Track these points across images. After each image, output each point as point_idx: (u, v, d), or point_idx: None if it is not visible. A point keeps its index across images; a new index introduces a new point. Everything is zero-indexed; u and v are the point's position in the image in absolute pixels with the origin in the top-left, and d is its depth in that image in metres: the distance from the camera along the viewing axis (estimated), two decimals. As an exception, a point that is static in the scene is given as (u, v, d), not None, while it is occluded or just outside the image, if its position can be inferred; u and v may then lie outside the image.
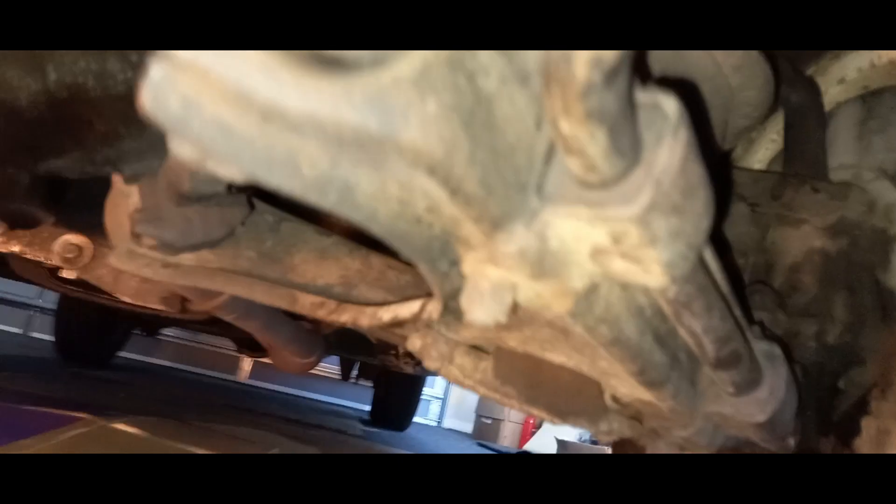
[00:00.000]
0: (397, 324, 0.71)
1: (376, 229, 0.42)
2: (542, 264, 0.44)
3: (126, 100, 0.52)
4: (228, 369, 8.29)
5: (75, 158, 0.64)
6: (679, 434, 0.76)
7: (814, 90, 0.98)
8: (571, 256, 0.45)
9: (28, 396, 2.29)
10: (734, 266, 0.99)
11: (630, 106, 0.39)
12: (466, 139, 0.36)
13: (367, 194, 0.40)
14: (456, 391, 9.26)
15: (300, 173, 0.36)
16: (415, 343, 0.78)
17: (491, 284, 0.46)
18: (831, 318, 0.95)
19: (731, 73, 0.77)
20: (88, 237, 1.42)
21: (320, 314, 0.85)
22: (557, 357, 0.70)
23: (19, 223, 1.28)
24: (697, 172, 0.42)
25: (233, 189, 0.78)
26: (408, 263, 1.02)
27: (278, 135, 0.34)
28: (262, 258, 0.93)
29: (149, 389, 4.48)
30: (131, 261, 0.86)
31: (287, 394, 7.54)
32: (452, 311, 0.63)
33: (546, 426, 7.16)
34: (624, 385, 0.73)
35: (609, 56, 0.33)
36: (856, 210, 0.95)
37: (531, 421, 7.29)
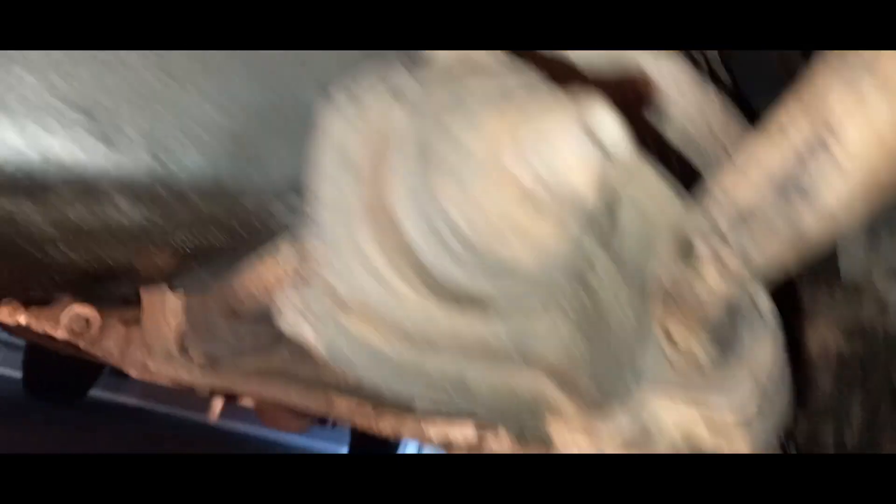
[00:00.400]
0: (445, 444, 0.71)
1: (479, 410, 0.43)
2: (634, 438, 0.45)
3: (211, 250, 0.53)
4: (199, 409, 8.10)
5: (134, 284, 0.64)
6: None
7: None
8: (661, 431, 0.46)
9: (7, 445, 2.22)
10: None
11: (734, 314, 0.41)
12: (587, 349, 0.38)
13: (476, 384, 0.42)
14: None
15: (428, 381, 0.37)
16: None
17: (579, 451, 0.47)
18: (848, 420, 0.98)
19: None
20: (96, 309, 1.40)
21: (357, 420, 0.85)
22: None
23: (35, 302, 1.26)
24: (786, 365, 0.44)
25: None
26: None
27: (416, 353, 0.35)
28: (294, 356, 0.93)
29: (123, 434, 4.37)
30: (169, 364, 0.86)
31: (260, 437, 7.39)
32: (518, 442, 0.64)
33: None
34: None
35: (738, 297, 0.35)
36: (869, 311, 0.99)
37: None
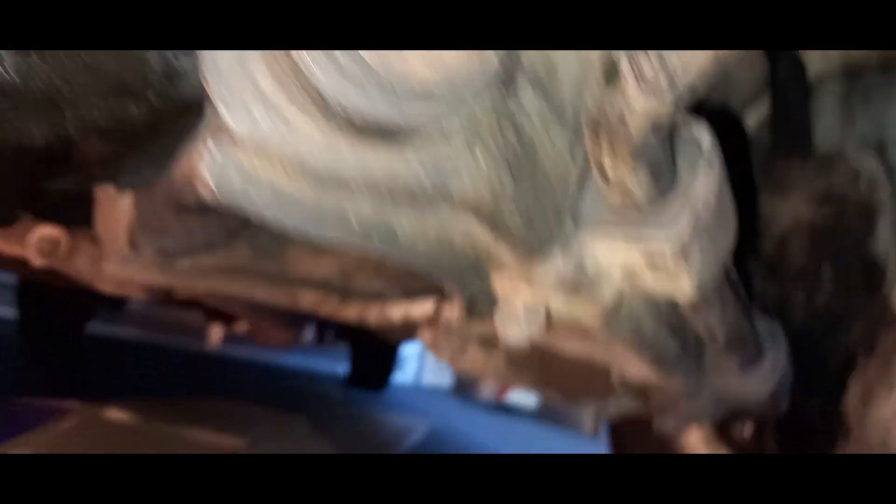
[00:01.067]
0: (408, 324, 0.71)
1: (415, 262, 0.42)
2: (577, 285, 0.44)
3: (138, 129, 0.50)
4: (197, 337, 8.20)
5: (75, 179, 0.61)
6: (686, 408, 0.79)
7: (799, 65, 0.99)
8: (604, 275, 0.45)
9: (9, 383, 2.25)
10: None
11: (669, 140, 0.39)
12: (512, 184, 0.36)
13: (407, 234, 0.40)
14: (431, 346, 9.34)
15: (349, 227, 0.36)
16: (425, 337, 0.79)
17: (525, 305, 0.46)
18: (819, 286, 0.98)
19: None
20: (64, 227, 1.38)
21: (324, 311, 0.85)
22: (571, 346, 0.71)
23: (-3, 222, 1.24)
24: (728, 198, 0.43)
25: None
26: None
27: (330, 196, 0.33)
28: (257, 254, 0.92)
29: (123, 364, 4.43)
30: (127, 266, 0.85)
31: (261, 361, 7.53)
32: (469, 311, 0.64)
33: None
34: (634, 368, 0.75)
35: (665, 119, 0.33)
36: (841, 182, 0.98)
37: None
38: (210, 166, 0.30)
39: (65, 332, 5.05)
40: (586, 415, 6.23)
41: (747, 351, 0.70)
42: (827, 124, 1.02)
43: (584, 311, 0.48)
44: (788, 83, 0.97)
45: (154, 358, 5.66)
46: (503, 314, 0.46)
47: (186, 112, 0.57)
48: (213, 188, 0.30)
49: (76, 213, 1.34)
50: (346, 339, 5.68)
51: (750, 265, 0.98)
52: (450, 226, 0.40)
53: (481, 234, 0.40)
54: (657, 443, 1.38)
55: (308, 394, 4.43)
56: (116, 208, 0.82)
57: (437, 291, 0.75)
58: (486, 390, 7.53)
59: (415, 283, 1.01)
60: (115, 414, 1.74)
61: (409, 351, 9.27)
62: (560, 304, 0.47)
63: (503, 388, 7.50)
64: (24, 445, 1.24)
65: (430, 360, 9.52)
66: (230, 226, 0.76)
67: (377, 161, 0.32)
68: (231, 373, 5.37)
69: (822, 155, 0.98)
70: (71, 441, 1.38)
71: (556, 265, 0.42)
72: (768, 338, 0.76)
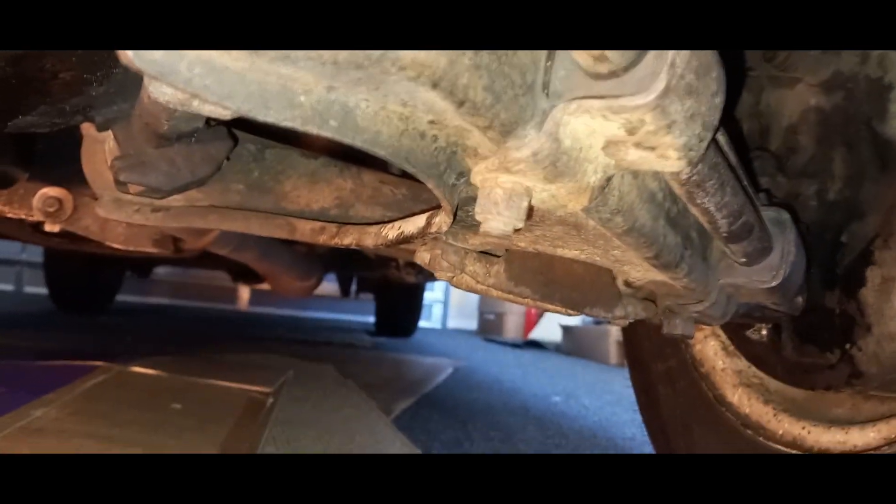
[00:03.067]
0: (404, 240, 0.69)
1: (381, 151, 0.40)
2: (556, 165, 0.42)
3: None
4: (227, 300, 8.34)
5: (43, 112, 0.60)
6: (695, 309, 0.77)
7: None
8: (584, 153, 0.43)
9: (38, 351, 2.31)
10: (736, 133, 0.98)
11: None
12: (474, 54, 0.34)
13: (367, 116, 0.38)
14: (456, 292, 9.41)
15: (297, 103, 0.34)
16: (423, 257, 0.77)
17: (505, 192, 0.44)
18: (831, 175, 0.95)
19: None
20: (66, 188, 1.38)
21: (322, 240, 0.84)
22: (569, 252, 0.69)
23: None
24: (713, 60, 0.40)
25: (212, 123, 0.75)
26: (401, 176, 1.00)
27: (270, 67, 0.31)
28: (251, 190, 0.91)
29: (153, 329, 4.52)
30: (119, 209, 0.84)
31: (289, 316, 7.64)
32: (460, 221, 0.62)
33: (548, 314, 7.34)
34: (637, 270, 0.73)
35: None
36: (849, 63, 0.93)
37: (533, 311, 7.46)
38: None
39: (94, 303, 5.15)
40: (611, 347, 6.26)
41: (753, 241, 0.68)
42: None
43: (569, 196, 0.46)
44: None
45: (183, 320, 5.77)
46: (482, 205, 0.45)
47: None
48: (132, 57, 0.28)
49: (76, 173, 1.34)
50: (369, 291, 5.75)
51: (756, 162, 0.95)
52: (410, 102, 0.38)
53: (446, 111, 0.38)
54: (674, 357, 1.37)
55: (337, 343, 4.49)
56: (101, 148, 0.81)
57: (432, 208, 0.73)
58: (511, 330, 7.60)
59: (413, 208, 0.99)
60: (142, 370, 1.78)
61: (434, 298, 9.36)
62: (542, 190, 0.45)
63: (528, 327, 7.56)
64: (50, 403, 1.27)
65: (455, 306, 9.60)
66: (215, 155, 0.74)
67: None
68: (260, 328, 5.46)
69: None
70: (98, 396, 1.41)
71: (529, 144, 0.40)
72: (775, 227, 0.73)
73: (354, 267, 3.16)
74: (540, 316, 7.54)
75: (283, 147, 0.93)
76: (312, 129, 0.35)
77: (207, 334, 4.56)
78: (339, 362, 3.04)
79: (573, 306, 0.79)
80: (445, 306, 9.76)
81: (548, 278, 0.77)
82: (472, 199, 0.59)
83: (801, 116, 0.96)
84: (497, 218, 0.44)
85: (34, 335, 3.32)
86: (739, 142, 0.99)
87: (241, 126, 0.91)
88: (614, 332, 6.01)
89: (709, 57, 0.40)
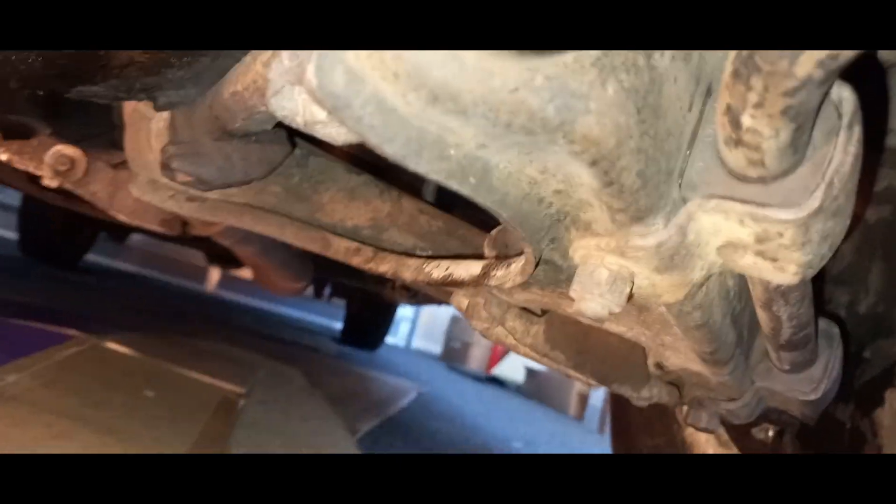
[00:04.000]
0: (450, 283, 0.67)
1: (504, 213, 0.37)
2: (674, 258, 0.40)
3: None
4: (196, 278, 8.19)
5: (112, 86, 0.56)
6: (725, 406, 0.75)
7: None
8: (701, 249, 0.41)
9: (9, 304, 2.22)
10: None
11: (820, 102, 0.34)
12: (637, 127, 0.32)
13: (502, 177, 0.36)
14: (426, 313, 9.35)
15: (447, 155, 0.31)
16: (461, 302, 0.75)
17: (610, 275, 0.42)
18: (865, 287, 0.94)
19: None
20: (82, 149, 1.33)
21: (356, 262, 0.80)
22: (617, 328, 0.67)
23: (14, 134, 1.19)
24: (858, 173, 0.38)
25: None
26: (439, 208, 0.97)
27: (439, 117, 0.29)
28: (288, 194, 0.88)
29: (124, 296, 4.41)
30: (154, 192, 0.80)
31: (257, 307, 7.53)
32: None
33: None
34: (678, 357, 0.71)
35: (844, 56, 0.28)
36: (902, 179, 0.93)
37: (500, 347, 7.44)
38: (317, 63, 0.25)
39: (64, 258, 5.02)
40: (573, 398, 6.24)
41: (805, 353, 0.66)
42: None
43: (668, 288, 0.44)
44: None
45: (154, 292, 5.65)
46: (583, 283, 0.42)
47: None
48: (314, 83, 0.25)
49: (98, 137, 1.29)
50: (342, 297, 5.67)
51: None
52: (550, 174, 0.35)
53: (585, 186, 0.36)
54: (663, 435, 1.35)
55: (303, 346, 4.42)
56: (150, 129, 0.77)
57: (474, 255, 0.71)
58: (475, 360, 7.54)
59: (447, 242, 0.96)
60: (115, 346, 1.72)
61: (403, 315, 9.29)
62: (644, 278, 0.43)
63: (492, 361, 7.52)
64: (23, 369, 1.21)
65: (423, 326, 9.53)
66: (272, 158, 0.71)
67: (504, 81, 0.27)
68: (229, 314, 5.35)
69: (887, 150, 0.93)
70: (71, 369, 1.35)
71: (657, 235, 0.38)
72: (823, 340, 0.72)
73: (337, 272, 3.11)
74: (505, 352, 7.51)
75: (328, 157, 0.91)
76: (453, 185, 0.33)
77: (177, 313, 4.46)
78: (305, 365, 2.98)
79: (602, 380, 0.76)
80: (413, 325, 9.69)
81: (583, 347, 0.75)
82: (543, 261, 0.57)
83: (845, 224, 0.96)
84: (597, 299, 0.42)
85: (3, 283, 3.22)
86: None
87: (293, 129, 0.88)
88: (577, 385, 6.01)
89: (856, 179, 0.38)
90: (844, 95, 0.36)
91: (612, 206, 0.36)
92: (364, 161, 1.07)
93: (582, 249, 0.43)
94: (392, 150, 0.29)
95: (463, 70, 0.27)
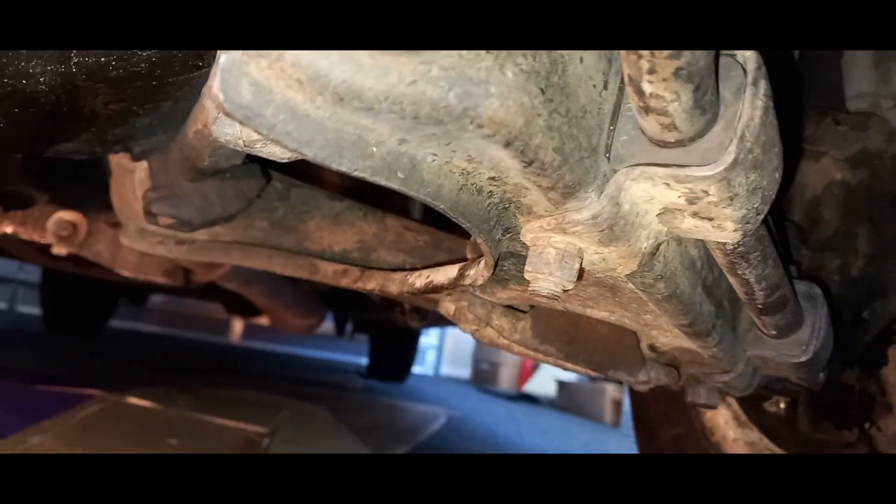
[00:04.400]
0: (432, 290, 0.69)
1: (441, 205, 0.40)
2: (613, 229, 0.42)
3: (146, 77, 0.48)
4: (219, 332, 8.26)
5: (85, 140, 0.60)
6: (720, 379, 0.76)
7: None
8: (640, 218, 0.43)
9: (33, 374, 2.27)
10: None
11: (714, 60, 0.36)
12: (544, 106, 0.34)
13: (432, 170, 0.38)
14: (451, 338, 9.33)
15: (369, 153, 0.34)
16: (448, 307, 0.76)
17: (557, 253, 0.44)
18: (854, 251, 0.95)
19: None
20: (82, 213, 1.38)
21: (344, 283, 0.83)
22: (598, 313, 0.68)
23: (13, 204, 1.24)
24: (775, 125, 0.40)
25: (246, 161, 0.75)
26: (424, 223, 0.99)
27: (350, 117, 0.31)
28: (274, 228, 0.90)
29: (146, 357, 4.46)
30: (143, 239, 0.83)
31: (281, 353, 7.57)
32: (496, 275, 0.61)
33: (543, 367, 7.27)
34: (665, 335, 0.72)
35: None
36: (876, 140, 0.94)
37: (528, 363, 7.40)
38: (221, 79, 0.27)
39: (87, 327, 5.10)
40: (607, 405, 6.18)
41: (786, 315, 0.67)
42: (860, 81, 0.98)
43: (620, 260, 0.45)
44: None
45: (176, 350, 5.71)
46: (533, 264, 0.44)
47: (199, 59, 0.55)
48: (221, 97, 0.28)
49: (93, 198, 1.33)
50: (364, 332, 5.70)
51: (780, 233, 0.95)
52: (477, 161, 0.38)
53: (512, 169, 0.38)
54: (682, 424, 1.35)
55: (329, 384, 4.43)
56: (131, 178, 0.81)
57: (457, 261, 0.73)
58: (505, 380, 7.51)
59: (434, 255, 0.98)
60: (137, 401, 1.74)
61: (428, 343, 9.29)
62: (593, 253, 0.45)
63: (522, 379, 7.48)
64: (46, 430, 1.24)
65: (449, 352, 9.52)
66: (247, 192, 0.74)
67: (400, 75, 0.30)
68: (253, 363, 5.39)
69: (854, 113, 0.94)
70: (93, 427, 1.38)
71: (590, 207, 0.40)
72: (806, 302, 0.72)
73: (354, 307, 3.13)
74: (535, 368, 7.47)
75: (309, 187, 0.93)
76: (380, 181, 0.35)
77: (200, 366, 4.50)
78: (331, 403, 2.99)
79: (596, 368, 0.77)
80: (439, 352, 9.67)
81: (573, 337, 0.76)
82: (510, 255, 0.58)
83: (825, 190, 0.97)
84: (548, 278, 0.43)
85: (28, 356, 3.27)
86: (776, 213, 0.99)
87: (269, 163, 0.92)
88: (610, 391, 5.95)
89: (774, 131, 0.39)
90: (748, 55, 0.38)
91: (540, 184, 0.38)
92: (347, 187, 1.10)
93: (530, 233, 0.45)
94: (312, 153, 0.31)
95: (360, 69, 0.29)
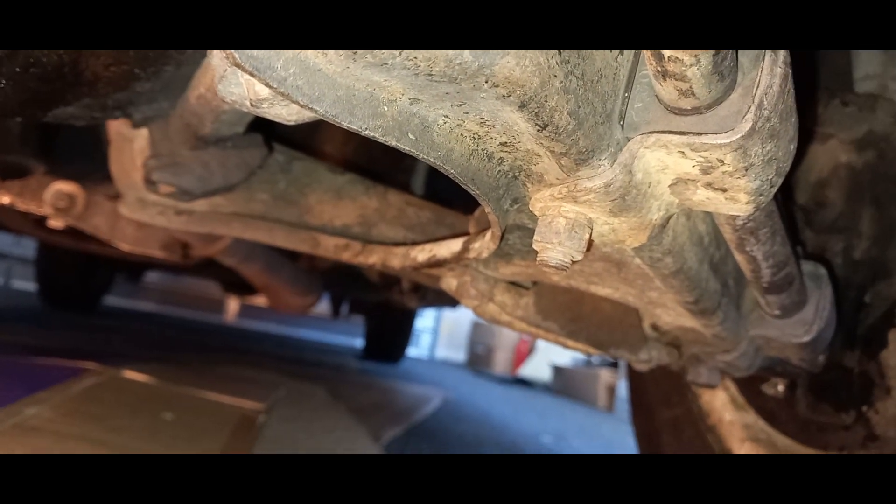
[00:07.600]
0: (434, 264, 0.68)
1: (451, 169, 0.39)
2: (625, 199, 0.41)
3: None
4: (215, 311, 8.26)
5: (86, 105, 0.58)
6: (722, 359, 0.76)
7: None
8: (652, 189, 0.42)
9: (28, 347, 2.26)
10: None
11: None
12: (560, 67, 0.33)
13: (443, 133, 0.37)
14: (447, 321, 9.35)
15: (380, 112, 0.33)
16: (450, 283, 0.76)
17: (567, 222, 0.43)
18: (858, 233, 0.94)
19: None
20: (80, 185, 1.36)
21: (345, 257, 0.82)
22: (602, 290, 0.68)
23: (10, 174, 1.22)
24: (793, 94, 0.39)
25: (249, 129, 0.74)
26: (426, 199, 0.99)
27: (363, 72, 0.30)
28: (276, 200, 0.89)
29: (142, 334, 4.46)
30: (143, 209, 0.82)
31: (276, 333, 7.57)
32: (500, 248, 0.61)
33: (538, 351, 7.29)
34: (669, 314, 0.72)
35: None
36: (883, 122, 0.93)
37: (524, 347, 7.41)
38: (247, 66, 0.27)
39: (82, 303, 5.09)
40: (601, 390, 6.21)
41: (791, 294, 0.67)
42: (868, 63, 0.97)
43: (630, 231, 0.45)
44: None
45: (172, 327, 5.71)
46: (543, 233, 0.43)
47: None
48: (236, 55, 0.27)
49: (91, 171, 1.32)
50: (360, 313, 5.70)
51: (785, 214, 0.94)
52: (489, 125, 0.37)
53: (524, 133, 0.37)
54: (680, 406, 1.35)
55: (325, 365, 4.44)
56: (131, 146, 0.80)
57: (459, 235, 0.72)
58: (500, 364, 7.53)
59: (436, 231, 0.98)
60: (133, 375, 1.74)
61: (424, 326, 9.29)
62: (603, 223, 0.44)
63: (517, 363, 7.50)
64: (42, 402, 1.24)
65: (445, 335, 9.52)
66: (249, 161, 0.73)
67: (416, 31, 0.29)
68: (249, 342, 5.39)
69: (862, 95, 0.93)
70: (90, 398, 1.38)
71: (604, 175, 0.39)
72: (811, 282, 0.72)
73: (352, 287, 3.12)
74: (530, 352, 7.49)
75: (312, 160, 0.92)
76: (391, 141, 0.34)
77: (196, 343, 4.50)
78: (328, 383, 3.00)
79: (598, 346, 0.77)
80: (435, 334, 9.68)
81: (575, 314, 0.76)
82: (515, 228, 0.58)
83: (831, 172, 0.96)
84: (557, 248, 0.43)
85: (24, 330, 3.27)
86: (785, 192, 0.98)
87: (271, 135, 0.90)
88: (604, 376, 5.98)
89: (791, 100, 0.39)
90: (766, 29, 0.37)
91: (553, 150, 0.38)
92: (349, 161, 1.09)
93: (539, 202, 0.44)
94: (322, 109, 0.30)
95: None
